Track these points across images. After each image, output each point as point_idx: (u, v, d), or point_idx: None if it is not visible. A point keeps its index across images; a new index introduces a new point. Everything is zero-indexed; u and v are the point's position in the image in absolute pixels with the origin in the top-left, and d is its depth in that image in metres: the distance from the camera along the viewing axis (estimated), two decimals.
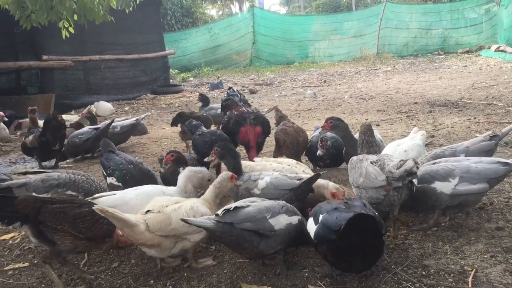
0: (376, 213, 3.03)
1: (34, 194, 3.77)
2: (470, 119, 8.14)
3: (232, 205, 3.15)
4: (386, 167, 3.38)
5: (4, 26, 14.53)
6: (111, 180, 4.53)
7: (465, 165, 3.62)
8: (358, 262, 2.86)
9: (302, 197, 3.68)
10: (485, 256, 3.24)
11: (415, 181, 3.46)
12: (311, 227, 2.99)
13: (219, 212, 3.07)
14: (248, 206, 3.13)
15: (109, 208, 3.07)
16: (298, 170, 4.21)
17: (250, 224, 3.01)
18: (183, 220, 3.05)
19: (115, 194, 3.72)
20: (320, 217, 2.91)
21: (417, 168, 3.26)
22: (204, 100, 9.01)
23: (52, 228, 3.08)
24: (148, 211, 3.25)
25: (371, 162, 3.52)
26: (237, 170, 3.94)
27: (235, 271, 3.35)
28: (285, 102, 12.70)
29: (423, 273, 3.09)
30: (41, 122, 7.24)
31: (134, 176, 4.49)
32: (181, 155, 4.45)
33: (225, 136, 5.50)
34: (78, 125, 8.24)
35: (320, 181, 3.86)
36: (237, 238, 3.01)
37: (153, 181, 4.51)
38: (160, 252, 3.26)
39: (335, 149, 5.00)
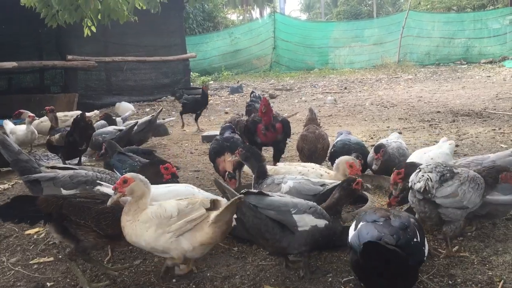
0: (418, 237, 2.67)
1: (62, 189, 3.79)
2: (494, 129, 8.02)
3: (255, 190, 3.16)
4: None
5: (30, 26, 14.85)
6: None
7: None
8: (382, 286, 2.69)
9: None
10: None
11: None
12: (351, 231, 2.83)
13: (243, 191, 3.05)
14: (274, 196, 3.11)
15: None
16: (322, 171, 4.21)
17: (274, 212, 2.96)
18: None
19: None
20: (359, 225, 2.76)
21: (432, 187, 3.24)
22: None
23: (75, 223, 3.05)
24: None
25: None
26: (261, 173, 3.97)
27: (258, 273, 3.34)
28: (305, 107, 12.58)
29: (450, 282, 3.04)
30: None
31: None
32: None
33: (241, 141, 5.27)
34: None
35: None
36: (260, 222, 2.96)
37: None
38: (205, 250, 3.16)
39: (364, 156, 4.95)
